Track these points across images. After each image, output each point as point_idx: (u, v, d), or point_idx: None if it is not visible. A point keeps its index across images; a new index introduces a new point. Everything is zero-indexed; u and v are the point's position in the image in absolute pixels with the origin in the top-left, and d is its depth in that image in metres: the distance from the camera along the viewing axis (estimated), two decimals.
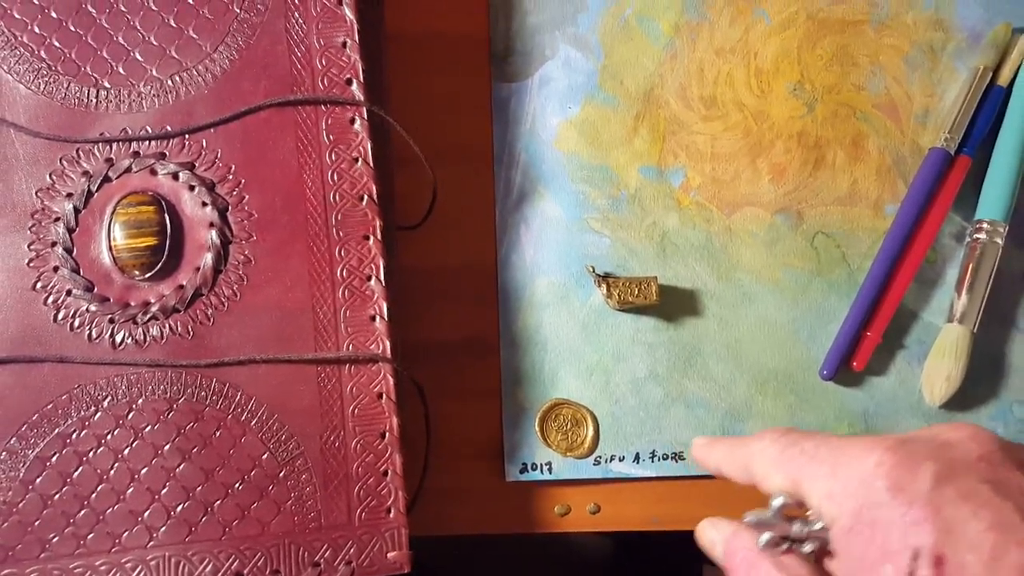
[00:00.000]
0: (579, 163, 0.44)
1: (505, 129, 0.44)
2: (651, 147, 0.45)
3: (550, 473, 0.42)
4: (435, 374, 0.42)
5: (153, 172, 0.38)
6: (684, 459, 0.43)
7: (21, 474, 0.35)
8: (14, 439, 0.35)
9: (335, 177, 0.38)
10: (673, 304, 0.43)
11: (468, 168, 0.44)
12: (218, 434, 0.36)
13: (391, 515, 0.36)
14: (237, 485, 0.36)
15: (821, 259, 0.45)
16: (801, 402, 0.44)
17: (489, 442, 0.42)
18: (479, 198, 0.44)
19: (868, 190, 0.45)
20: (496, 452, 0.42)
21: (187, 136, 0.38)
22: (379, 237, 0.38)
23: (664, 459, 0.43)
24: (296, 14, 0.38)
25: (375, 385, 0.37)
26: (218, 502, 0.36)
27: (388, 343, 0.37)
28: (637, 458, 0.43)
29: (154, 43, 0.38)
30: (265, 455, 0.36)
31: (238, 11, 0.38)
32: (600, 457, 0.43)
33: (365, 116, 0.38)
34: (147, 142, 0.38)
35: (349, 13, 0.38)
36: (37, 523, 0.35)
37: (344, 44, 0.38)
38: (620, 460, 0.43)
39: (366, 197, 0.38)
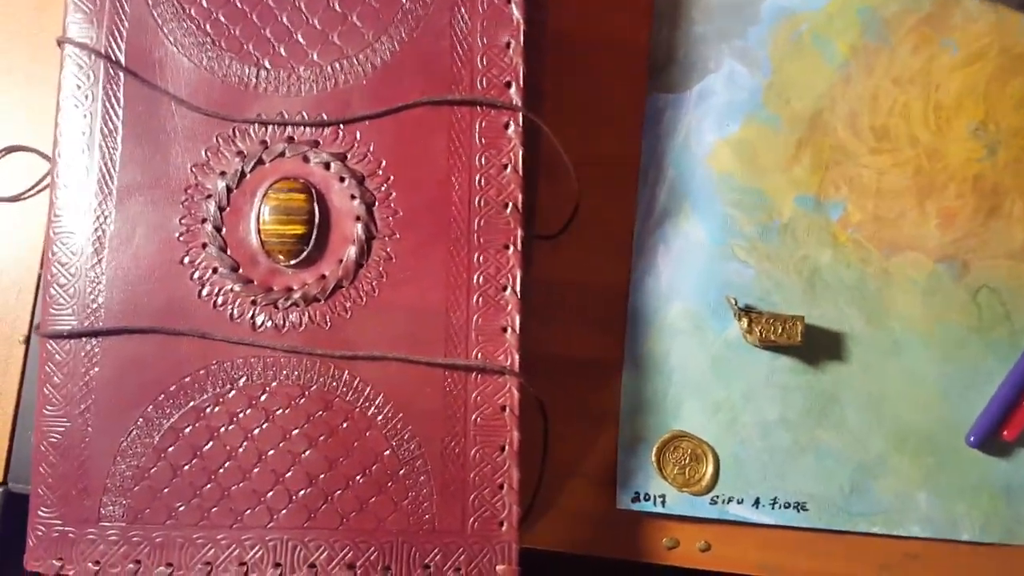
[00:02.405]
0: (731, 185, 0.42)
1: (656, 142, 0.42)
2: (811, 175, 0.42)
3: (663, 506, 0.41)
4: (554, 389, 0.41)
5: (305, 159, 0.37)
6: (807, 510, 0.41)
7: (155, 441, 0.36)
8: (151, 407, 0.36)
9: (483, 182, 0.37)
10: (815, 345, 0.41)
11: (612, 180, 0.42)
12: (345, 425, 0.36)
13: (503, 528, 0.36)
14: (358, 477, 0.36)
15: (983, 315, 0.41)
16: (940, 465, 0.41)
17: (604, 466, 0.41)
18: (620, 213, 0.42)
19: None
20: (609, 478, 0.41)
21: (342, 126, 0.37)
22: (519, 248, 0.37)
23: (786, 508, 0.41)
24: (463, 10, 0.37)
25: (500, 397, 0.36)
26: (338, 492, 0.36)
27: (517, 356, 0.36)
28: (757, 503, 0.41)
29: (317, 27, 0.38)
30: (387, 452, 0.36)
31: (404, 2, 0.38)
32: (718, 497, 0.41)
33: (520, 122, 0.37)
34: (302, 128, 0.38)
35: (517, 13, 0.37)
36: (166, 491, 0.36)
37: (508, 45, 0.37)
38: (739, 503, 0.41)
39: (511, 205, 0.37)
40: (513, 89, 0.37)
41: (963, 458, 0.41)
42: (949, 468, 0.41)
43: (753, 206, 0.42)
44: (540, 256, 0.42)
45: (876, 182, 0.42)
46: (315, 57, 0.38)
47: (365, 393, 0.36)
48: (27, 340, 0.42)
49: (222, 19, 0.38)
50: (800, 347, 0.40)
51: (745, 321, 0.40)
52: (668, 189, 0.42)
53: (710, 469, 0.41)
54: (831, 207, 0.42)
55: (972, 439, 0.40)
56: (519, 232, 0.37)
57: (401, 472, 0.36)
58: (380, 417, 0.36)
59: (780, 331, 0.40)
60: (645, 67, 0.43)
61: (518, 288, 0.37)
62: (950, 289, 0.41)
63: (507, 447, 0.36)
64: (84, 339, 0.37)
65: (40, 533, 0.36)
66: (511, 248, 0.37)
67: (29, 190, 0.43)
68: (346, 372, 0.36)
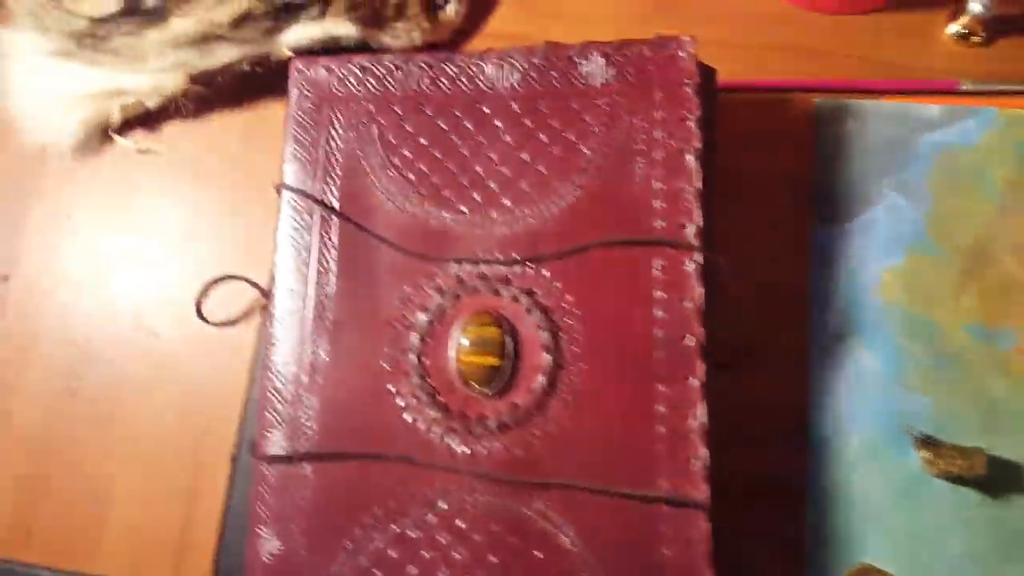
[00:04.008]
0: (901, 314, 0.43)
1: (822, 272, 0.44)
2: (979, 304, 0.43)
3: None
4: (734, 518, 0.41)
5: (497, 293, 0.41)
6: None
7: (364, 564, 0.38)
8: (358, 529, 0.39)
9: (662, 316, 0.39)
10: (999, 478, 0.40)
11: (783, 309, 0.44)
12: (538, 555, 0.38)
13: None
14: None
15: None
16: None
17: None
18: (792, 341, 0.44)
19: None
20: None
21: (529, 264, 0.41)
22: (701, 379, 0.38)
23: None
24: (640, 159, 0.40)
25: (689, 530, 0.37)
26: None
27: (706, 488, 0.37)
28: None
29: (508, 175, 0.42)
30: None
31: (587, 153, 0.41)
32: None
33: (698, 260, 0.39)
34: (494, 266, 0.41)
35: (692, 161, 0.40)
36: None
37: (683, 190, 0.40)
38: None
39: (691, 339, 0.39)
40: (689, 230, 0.40)
41: None
42: None
43: (923, 335, 0.43)
44: (714, 382, 0.43)
45: None
46: (506, 203, 0.41)
47: (556, 522, 0.38)
48: (234, 457, 0.46)
49: (423, 169, 0.43)
50: (982, 479, 0.40)
51: (926, 452, 0.40)
52: (838, 318, 0.43)
53: None
54: (1001, 336, 0.42)
55: None
56: (700, 364, 0.39)
57: None
58: (571, 547, 0.38)
59: (962, 463, 0.40)
60: (808, 199, 0.45)
61: (702, 419, 0.38)
62: None
63: None
64: (297, 463, 0.40)
65: None
66: (692, 380, 0.38)
67: (241, 317, 0.48)
68: (538, 500, 0.38)
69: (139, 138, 0.52)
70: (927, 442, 0.40)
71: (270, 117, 0.51)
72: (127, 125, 0.52)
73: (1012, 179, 0.44)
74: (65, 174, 0.52)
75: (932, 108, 0.45)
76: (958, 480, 0.40)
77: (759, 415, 0.43)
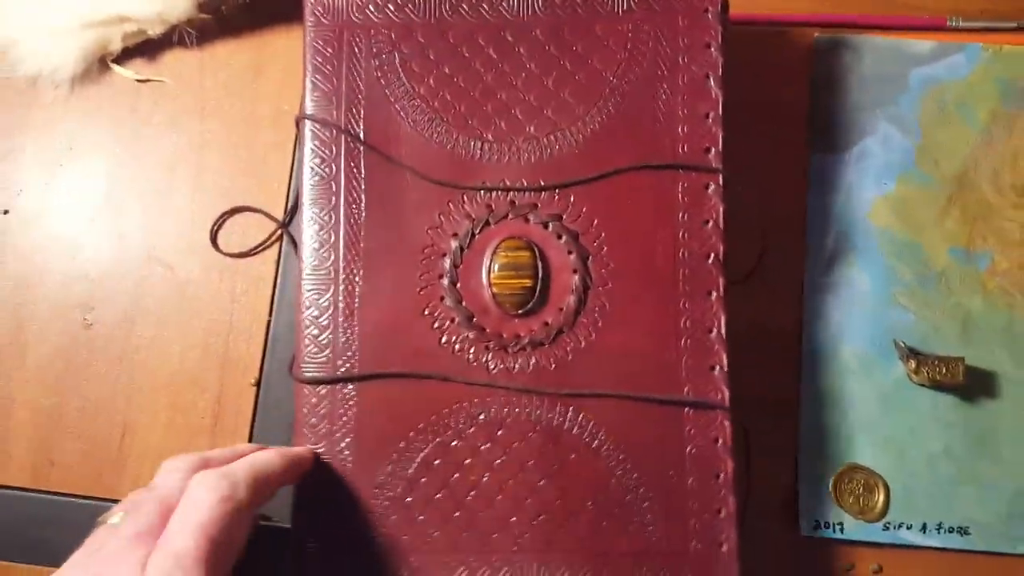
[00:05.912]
0: (891, 238, 0.47)
1: (820, 199, 0.47)
2: (961, 229, 0.47)
3: (841, 533, 0.45)
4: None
5: (526, 220, 0.42)
6: (970, 534, 0.44)
7: (409, 473, 0.40)
8: (403, 443, 0.41)
9: (686, 236, 0.42)
10: (972, 384, 0.45)
11: (782, 232, 0.47)
12: (572, 457, 0.40)
13: (724, 549, 0.40)
14: (588, 504, 0.40)
15: None
16: None
17: (784, 499, 0.45)
18: (790, 262, 0.47)
19: None
20: (790, 509, 0.45)
21: (557, 190, 0.42)
22: (722, 293, 0.41)
23: (950, 532, 0.44)
24: (664, 85, 0.42)
25: (712, 430, 0.41)
26: (572, 517, 0.40)
27: (727, 392, 0.41)
28: (924, 528, 0.45)
29: (533, 103, 0.43)
30: (612, 480, 0.40)
31: (611, 79, 0.43)
32: (889, 523, 0.45)
33: (720, 183, 0.42)
34: (523, 192, 0.43)
35: (715, 86, 0.42)
36: (421, 518, 0.40)
37: (707, 115, 0.42)
38: (908, 528, 0.45)
39: (712, 256, 0.42)
40: (712, 154, 0.42)
41: None
42: None
43: (911, 257, 0.46)
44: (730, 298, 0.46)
45: (1019, 234, 0.46)
46: (532, 130, 0.43)
47: (588, 428, 0.41)
48: (257, 383, 0.47)
49: (448, 97, 0.43)
50: (960, 386, 0.44)
51: (913, 363, 0.44)
52: (834, 242, 0.47)
53: (882, 498, 0.45)
54: (979, 257, 0.46)
55: None
56: (721, 280, 0.41)
57: (627, 499, 0.40)
58: (603, 449, 0.41)
59: (944, 371, 0.44)
60: (806, 129, 0.48)
61: (723, 330, 0.41)
62: None
63: (722, 475, 0.40)
64: (340, 384, 0.41)
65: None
66: (714, 294, 0.41)
67: (258, 248, 0.48)
68: (571, 409, 0.41)
69: (140, 68, 0.51)
70: (913, 353, 0.45)
71: (276, 46, 0.50)
72: (126, 54, 0.50)
73: (993, 110, 0.47)
74: (62, 105, 0.51)
75: (924, 44, 0.48)
76: (939, 387, 0.45)
77: (757, 331, 0.47)
